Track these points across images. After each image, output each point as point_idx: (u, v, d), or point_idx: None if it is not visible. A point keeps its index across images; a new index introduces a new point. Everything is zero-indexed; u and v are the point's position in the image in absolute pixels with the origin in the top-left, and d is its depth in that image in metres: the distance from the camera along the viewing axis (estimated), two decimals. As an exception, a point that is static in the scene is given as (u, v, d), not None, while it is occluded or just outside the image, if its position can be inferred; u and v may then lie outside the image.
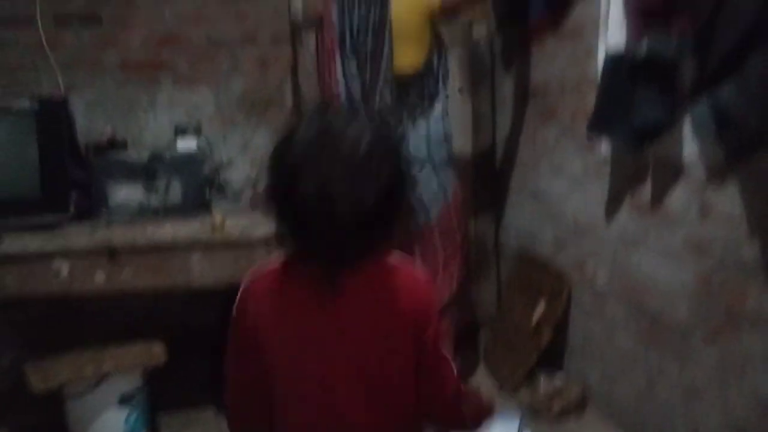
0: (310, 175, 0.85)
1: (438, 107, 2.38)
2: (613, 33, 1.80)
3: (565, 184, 2.39)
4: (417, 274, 1.02)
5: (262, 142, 3.37)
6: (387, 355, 0.96)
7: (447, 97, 2.43)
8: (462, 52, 2.85)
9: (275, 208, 0.93)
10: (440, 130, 2.38)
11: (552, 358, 2.42)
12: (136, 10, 3.06)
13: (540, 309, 2.46)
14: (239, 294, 1.02)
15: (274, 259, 1.01)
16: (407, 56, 2.30)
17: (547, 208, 2.56)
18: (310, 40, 2.75)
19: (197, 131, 2.96)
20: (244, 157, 3.24)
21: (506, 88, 2.90)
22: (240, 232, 2.21)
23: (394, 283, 0.97)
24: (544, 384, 2.31)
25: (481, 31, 2.90)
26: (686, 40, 1.45)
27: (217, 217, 2.24)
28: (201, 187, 2.69)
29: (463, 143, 2.90)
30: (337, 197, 0.84)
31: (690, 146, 1.59)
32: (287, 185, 0.87)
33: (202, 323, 2.64)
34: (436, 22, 2.34)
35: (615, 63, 1.73)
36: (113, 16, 3.00)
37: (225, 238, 2.19)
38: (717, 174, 1.51)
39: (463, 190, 2.52)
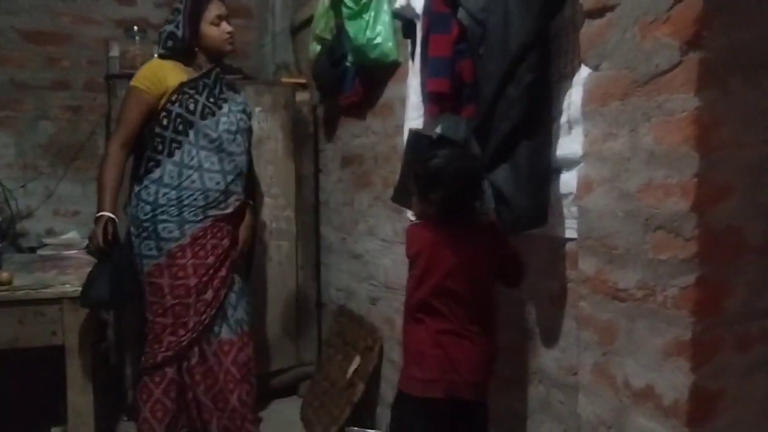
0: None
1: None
2: (413, 112, 2.01)
3: (378, 245, 2.54)
4: (485, 222, 1.64)
5: (68, 192, 3.16)
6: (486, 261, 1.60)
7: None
8: (285, 115, 2.95)
9: (427, 195, 1.59)
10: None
11: (366, 412, 2.50)
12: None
13: (355, 363, 2.55)
14: (410, 235, 1.69)
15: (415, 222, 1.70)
16: None
17: (362, 267, 2.69)
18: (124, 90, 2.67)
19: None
20: (46, 208, 3.00)
21: (328, 153, 3.04)
22: (28, 290, 2.05)
23: (481, 227, 1.63)
24: (355, 440, 2.37)
25: (304, 96, 3.03)
26: (472, 125, 1.66)
27: (4, 273, 2.06)
28: (-10, 238, 2.44)
29: (286, 203, 2.97)
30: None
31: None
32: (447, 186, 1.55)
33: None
34: None
35: (416, 139, 1.91)
36: None
37: (8, 295, 2.02)
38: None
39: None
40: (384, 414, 2.49)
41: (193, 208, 2.23)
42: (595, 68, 1.26)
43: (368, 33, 2.27)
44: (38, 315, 2.02)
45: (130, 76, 2.69)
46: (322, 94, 2.94)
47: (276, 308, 2.98)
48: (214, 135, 2.26)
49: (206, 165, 2.25)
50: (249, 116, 2.45)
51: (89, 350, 2.14)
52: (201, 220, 2.25)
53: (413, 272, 1.64)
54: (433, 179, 1.57)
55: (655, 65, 1.11)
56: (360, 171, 2.68)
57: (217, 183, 2.27)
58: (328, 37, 2.62)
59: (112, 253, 2.11)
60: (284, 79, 3.10)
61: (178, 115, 2.22)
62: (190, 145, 2.23)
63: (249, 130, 2.45)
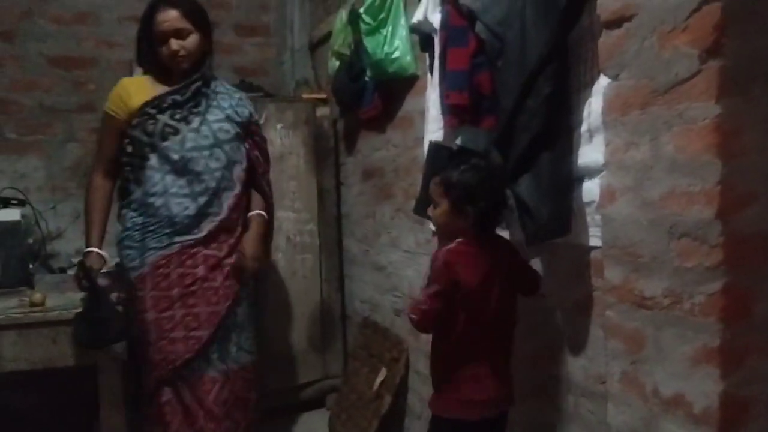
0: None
1: None
2: (433, 125, 2.03)
3: (401, 256, 2.56)
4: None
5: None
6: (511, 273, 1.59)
7: None
8: (306, 130, 2.99)
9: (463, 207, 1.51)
10: None
11: (393, 424, 2.50)
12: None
13: (381, 375, 2.56)
14: (445, 257, 1.52)
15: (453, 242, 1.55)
16: None
17: (386, 279, 2.70)
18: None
19: (22, 201, 2.78)
20: (75, 229, 3.07)
21: (349, 166, 3.07)
22: (60, 311, 2.10)
23: (499, 239, 1.65)
24: (384, 452, 2.38)
25: (324, 111, 3.07)
26: (492, 136, 1.68)
27: (37, 294, 2.11)
28: (22, 260, 2.50)
29: (309, 216, 3.00)
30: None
31: (502, 227, 1.80)
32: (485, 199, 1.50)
33: (17, 407, 2.42)
34: None
35: (436, 151, 1.93)
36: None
37: (42, 316, 2.07)
38: (524, 253, 1.73)
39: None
40: (412, 426, 2.50)
41: (157, 235, 2.04)
42: (615, 78, 1.27)
43: (386, 48, 2.30)
44: (70, 335, 2.07)
45: (154, 98, 2.77)
46: (342, 109, 2.97)
47: (301, 322, 3.00)
48: (176, 156, 2.04)
49: (173, 189, 2.05)
50: (242, 120, 2.19)
51: (120, 369, 2.18)
52: (165, 247, 2.04)
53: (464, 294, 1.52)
54: (474, 190, 1.49)
55: (674, 74, 1.11)
56: (381, 183, 2.71)
57: (186, 208, 2.05)
58: (347, 52, 2.66)
59: (97, 292, 2.01)
60: (304, 95, 3.14)
61: (137, 139, 2.05)
62: (153, 170, 2.04)
63: (237, 138, 2.17)
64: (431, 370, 1.66)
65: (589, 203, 1.46)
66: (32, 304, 2.12)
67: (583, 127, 1.48)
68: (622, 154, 1.24)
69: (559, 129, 1.49)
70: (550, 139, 1.49)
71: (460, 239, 1.54)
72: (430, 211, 1.62)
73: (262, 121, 2.86)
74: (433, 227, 2.20)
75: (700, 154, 1.07)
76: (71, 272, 2.92)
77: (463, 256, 1.52)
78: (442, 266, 1.50)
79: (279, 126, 2.92)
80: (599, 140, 1.39)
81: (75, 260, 3.04)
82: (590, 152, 1.45)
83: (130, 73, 3.23)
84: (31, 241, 2.78)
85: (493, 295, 1.52)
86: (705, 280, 1.07)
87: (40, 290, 2.29)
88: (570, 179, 1.48)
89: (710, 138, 1.05)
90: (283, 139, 2.94)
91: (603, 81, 1.34)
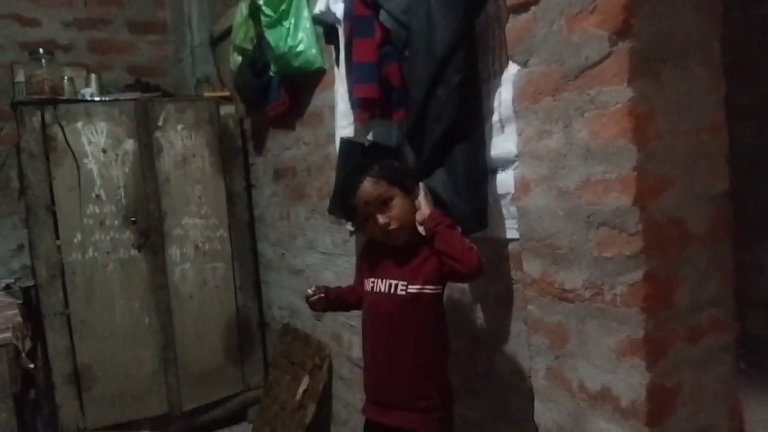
0: None
1: None
2: (343, 120, 1.93)
3: (318, 258, 2.45)
4: None
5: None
6: None
7: None
8: (210, 130, 2.82)
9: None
10: None
11: (318, 433, 2.40)
12: None
13: (304, 384, 2.46)
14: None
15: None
16: None
17: (304, 282, 2.59)
18: (33, 117, 2.48)
19: None
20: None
21: (259, 166, 2.93)
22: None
23: None
24: (310, 464, 2.27)
25: (229, 109, 2.90)
26: (403, 129, 1.61)
27: None
28: None
29: (218, 222, 2.83)
30: None
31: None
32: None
33: None
34: None
35: (348, 148, 1.85)
36: None
37: None
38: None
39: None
40: (338, 433, 2.41)
41: None
42: (524, 64, 1.22)
43: (290, 41, 2.19)
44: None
45: (37, 102, 2.52)
46: (247, 107, 2.83)
47: (215, 334, 2.84)
48: None
49: None
50: None
51: (11, 402, 1.96)
52: None
53: None
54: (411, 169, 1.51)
55: (584, 57, 1.08)
56: (294, 183, 2.59)
57: None
58: (249, 47, 2.52)
59: None
60: (206, 94, 2.97)
61: None
62: None
63: None
64: (435, 384, 1.44)
65: (504, 195, 1.41)
66: None
67: (494, 117, 1.43)
68: (535, 143, 1.19)
69: (471, 119, 1.43)
70: (463, 130, 1.43)
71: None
72: (376, 221, 1.41)
73: (160, 123, 2.68)
74: (350, 228, 2.13)
75: (615, 140, 1.03)
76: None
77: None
78: None
79: (180, 127, 2.73)
80: (511, 130, 1.34)
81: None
82: (503, 143, 1.40)
83: (12, 78, 2.95)
84: None
85: None
86: (625, 269, 1.04)
87: None
88: (485, 171, 1.43)
89: (624, 123, 1.02)
90: (185, 141, 2.75)
91: (512, 69, 1.30)
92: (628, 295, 1.04)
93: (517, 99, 1.24)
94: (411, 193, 1.44)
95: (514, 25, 1.23)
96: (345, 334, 2.30)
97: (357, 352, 2.23)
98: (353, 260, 2.18)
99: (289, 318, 2.77)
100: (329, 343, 2.41)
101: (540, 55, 1.17)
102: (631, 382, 1.04)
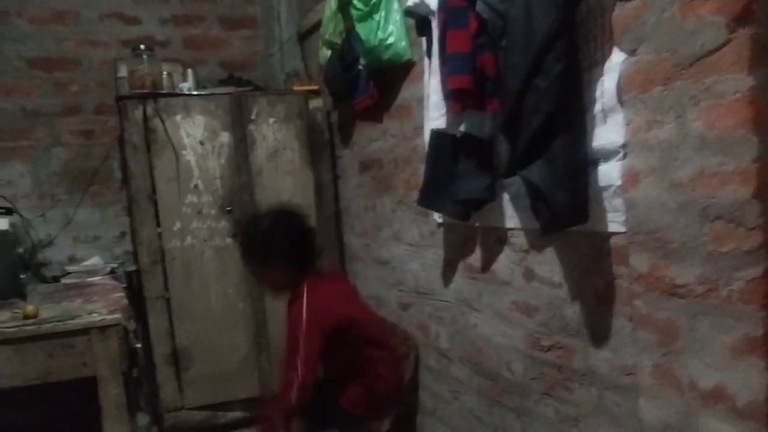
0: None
1: None
2: (434, 112, 1.94)
3: (404, 250, 2.48)
4: None
5: (86, 217, 3.14)
6: None
7: None
8: (300, 124, 2.90)
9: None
10: None
11: (405, 421, 2.43)
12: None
13: (389, 373, 2.49)
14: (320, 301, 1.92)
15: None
16: None
17: (390, 273, 2.63)
18: (136, 111, 2.63)
19: (9, 209, 2.68)
20: (66, 235, 2.98)
21: (346, 159, 2.99)
22: (55, 323, 2.00)
23: None
24: (396, 451, 2.31)
25: (317, 103, 2.98)
26: (498, 121, 1.60)
27: (29, 305, 2.02)
28: (13, 270, 2.41)
29: (307, 213, 2.91)
30: None
31: (511, 216, 1.73)
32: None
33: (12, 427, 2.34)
34: None
35: (438, 140, 1.85)
36: None
37: (36, 329, 1.97)
38: (536, 243, 1.66)
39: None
40: (425, 422, 2.43)
41: None
42: (632, 53, 1.19)
43: (380, 34, 2.21)
44: (67, 347, 1.98)
45: (140, 96, 2.67)
46: (335, 100, 2.88)
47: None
48: None
49: None
50: None
51: (121, 379, 2.10)
52: None
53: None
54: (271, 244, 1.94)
55: (700, 45, 1.04)
56: (380, 175, 2.62)
57: None
58: (338, 41, 2.56)
59: None
60: (295, 88, 3.05)
61: None
62: None
63: None
64: None
65: (606, 187, 1.38)
66: (25, 317, 2.03)
67: (597, 107, 1.39)
68: (645, 134, 1.16)
69: (572, 110, 1.40)
70: (563, 120, 1.40)
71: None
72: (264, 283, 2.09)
73: (253, 117, 2.78)
74: (439, 219, 2.14)
75: (733, 131, 0.99)
76: (65, 281, 2.83)
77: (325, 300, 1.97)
78: None
79: (271, 120, 2.83)
80: (614, 120, 1.31)
81: (68, 268, 2.96)
82: (605, 133, 1.37)
83: (115, 74, 3.14)
84: (21, 250, 2.68)
85: None
86: (743, 265, 0.99)
87: (33, 301, 2.20)
88: (586, 163, 1.40)
89: (743, 113, 0.98)
90: (276, 134, 2.85)
91: (615, 58, 1.27)
92: (746, 292, 1.00)
93: (624, 88, 1.21)
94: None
95: (621, 12, 1.20)
96: (432, 325, 2.32)
97: (444, 342, 2.24)
98: (440, 252, 2.20)
99: (375, 308, 2.81)
100: (415, 333, 2.44)
101: (650, 44, 1.14)
102: (748, 381, 1.00)
